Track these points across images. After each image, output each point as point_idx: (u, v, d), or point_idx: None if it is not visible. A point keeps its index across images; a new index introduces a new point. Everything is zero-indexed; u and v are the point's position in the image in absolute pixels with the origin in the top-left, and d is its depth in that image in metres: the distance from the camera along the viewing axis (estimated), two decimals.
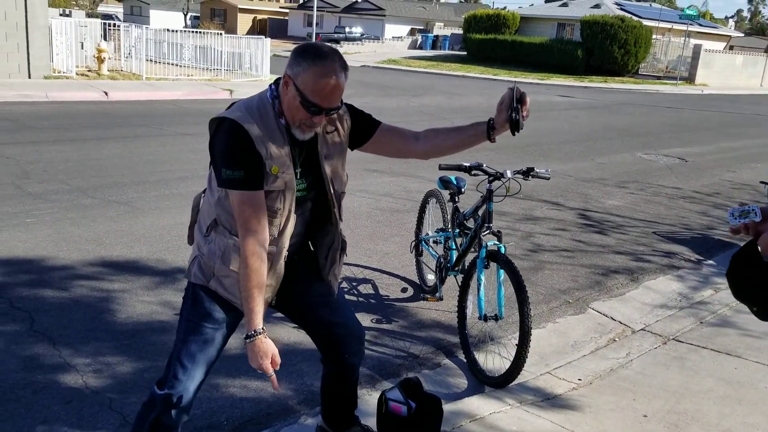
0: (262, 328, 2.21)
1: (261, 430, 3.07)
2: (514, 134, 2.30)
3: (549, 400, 3.45)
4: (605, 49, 33.55)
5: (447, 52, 46.06)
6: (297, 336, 3.88)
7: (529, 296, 4.71)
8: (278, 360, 2.25)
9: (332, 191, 2.37)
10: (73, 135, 9.67)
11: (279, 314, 3.06)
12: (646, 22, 35.30)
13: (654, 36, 35.66)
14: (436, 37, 49.26)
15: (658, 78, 34.53)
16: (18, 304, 4.11)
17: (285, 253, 2.33)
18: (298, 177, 2.29)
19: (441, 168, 3.90)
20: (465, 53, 41.41)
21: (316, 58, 2.11)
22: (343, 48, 43.56)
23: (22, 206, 6.07)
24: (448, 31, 51.46)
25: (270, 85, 2.27)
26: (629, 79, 33.31)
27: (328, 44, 2.23)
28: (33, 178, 7.08)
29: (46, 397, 3.17)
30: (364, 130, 2.45)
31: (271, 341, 2.24)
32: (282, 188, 2.22)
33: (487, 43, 38.37)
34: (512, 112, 2.25)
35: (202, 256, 2.31)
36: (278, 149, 2.19)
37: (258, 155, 2.14)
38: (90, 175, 7.33)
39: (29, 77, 15.07)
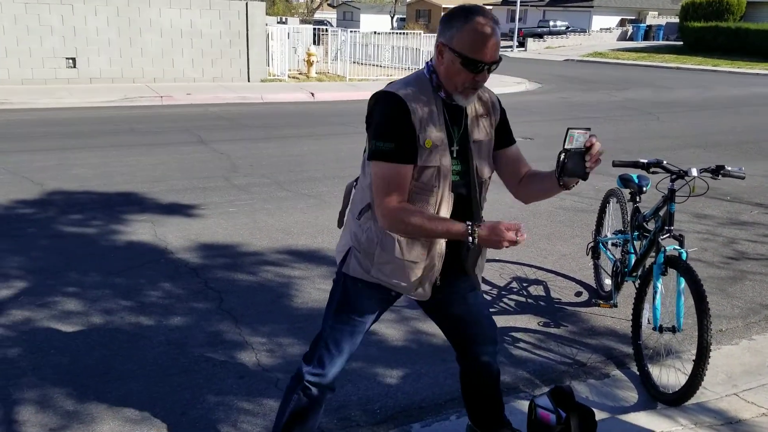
0: (468, 224, 2.12)
1: (412, 422, 3.09)
2: (578, 180, 2.11)
3: (731, 425, 3.08)
4: None
5: (661, 42, 42.96)
6: None
7: (724, 309, 4.28)
8: (511, 226, 2.09)
9: (476, 177, 2.31)
10: (279, 133, 10.47)
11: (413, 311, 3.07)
12: None
13: None
14: (649, 26, 46.14)
15: None
16: (211, 285, 4.54)
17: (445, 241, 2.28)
18: (454, 156, 2.26)
19: (615, 165, 3.63)
20: (681, 43, 38.34)
21: (467, 15, 2.10)
22: (547, 42, 42.44)
23: (227, 197, 6.70)
24: (662, 20, 47.96)
25: (426, 63, 2.27)
26: None
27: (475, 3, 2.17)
28: (240, 171, 7.77)
29: (223, 371, 3.47)
30: (500, 138, 2.38)
31: (488, 224, 2.13)
32: (437, 164, 2.19)
33: (707, 31, 35.17)
34: (563, 154, 2.05)
35: (360, 245, 2.33)
36: (434, 123, 2.18)
37: (412, 127, 2.14)
38: (288, 170, 7.89)
39: (248, 81, 16.59)
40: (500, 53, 2.18)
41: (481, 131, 2.31)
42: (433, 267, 2.30)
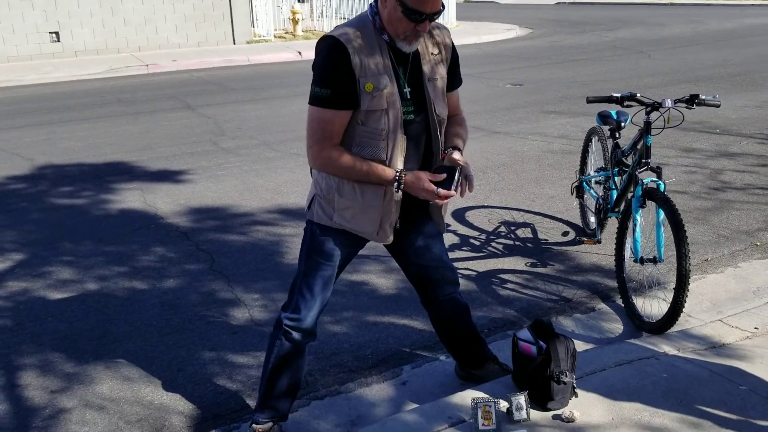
0: (397, 171, 2.25)
1: (403, 365, 3.18)
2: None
3: (714, 349, 3.16)
4: None
5: None
6: None
7: (708, 238, 4.34)
8: (435, 178, 2.25)
9: (434, 115, 2.34)
10: (267, 94, 10.41)
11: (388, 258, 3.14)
12: None
13: None
14: None
15: None
16: (203, 247, 4.60)
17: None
18: (407, 97, 2.28)
19: (589, 101, 3.63)
20: None
21: None
22: None
23: (216, 160, 6.71)
24: None
25: (370, 4, 2.28)
26: None
27: None
28: (227, 134, 7.77)
29: (216, 328, 3.55)
30: (449, 79, 2.42)
31: (415, 172, 2.27)
32: (384, 107, 2.21)
33: None
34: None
35: (321, 191, 2.40)
36: (376, 65, 2.19)
37: (351, 72, 2.16)
38: (276, 131, 7.88)
39: (234, 43, 16.39)
40: (443, 2, 2.20)
41: (435, 70, 2.33)
42: (391, 210, 2.35)
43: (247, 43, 16.49)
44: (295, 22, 17.72)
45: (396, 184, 2.26)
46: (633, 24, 19.85)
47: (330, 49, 2.18)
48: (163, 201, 5.54)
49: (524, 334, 2.74)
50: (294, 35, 17.69)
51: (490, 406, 2.54)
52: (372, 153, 2.28)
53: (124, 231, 4.92)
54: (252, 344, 3.39)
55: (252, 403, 2.94)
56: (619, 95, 3.49)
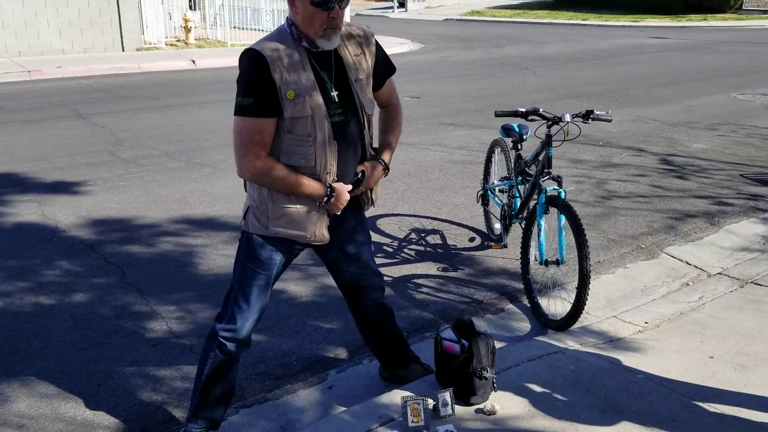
0: (328, 187, 2.38)
1: (328, 369, 3.26)
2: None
3: (611, 342, 3.46)
4: None
5: None
6: None
7: (600, 242, 4.70)
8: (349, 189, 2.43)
9: (364, 114, 2.46)
10: (162, 103, 10.17)
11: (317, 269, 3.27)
12: None
13: None
14: None
15: (765, 12, 32.07)
16: (111, 260, 4.47)
17: (333, 179, 2.41)
18: (335, 101, 2.37)
19: (497, 115, 3.89)
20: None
21: None
22: (426, 2, 42.90)
23: (115, 171, 6.51)
24: None
25: (286, 18, 2.38)
26: (732, 15, 31.09)
27: None
28: (125, 144, 7.54)
29: (134, 341, 3.48)
30: (379, 69, 2.53)
31: (338, 189, 2.40)
32: (309, 114, 2.30)
33: None
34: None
35: (254, 202, 2.46)
36: (297, 74, 2.28)
37: (272, 81, 2.25)
38: (177, 140, 7.73)
39: (123, 50, 15.83)
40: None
41: (360, 69, 2.44)
42: (325, 212, 2.46)
43: (137, 50, 15.97)
44: (187, 30, 17.35)
45: (326, 198, 2.37)
46: (517, 42, 20.89)
47: (251, 60, 2.28)
48: (63, 213, 5.32)
49: (447, 333, 2.91)
50: (186, 43, 17.31)
51: (419, 403, 2.68)
52: (300, 160, 2.35)
53: (23, 245, 4.70)
54: (173, 356, 3.36)
55: (179, 414, 2.93)
56: (524, 110, 3.76)
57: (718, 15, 31.20)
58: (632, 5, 33.76)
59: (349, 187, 2.42)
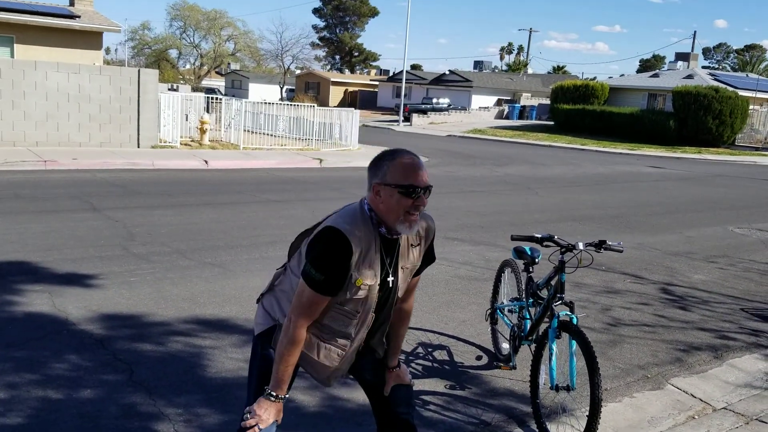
0: (285, 395, 2.50)
1: None
2: None
3: None
4: (699, 120, 32.80)
5: (534, 122, 46.23)
6: None
7: (606, 370, 4.73)
8: (272, 421, 2.49)
9: (396, 297, 2.61)
10: (175, 201, 10.40)
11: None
12: (742, 93, 34.37)
13: (751, 106, 34.61)
14: (523, 107, 49.61)
15: (756, 149, 33.30)
16: (120, 356, 4.48)
17: (359, 344, 2.59)
18: (389, 286, 2.52)
19: (513, 239, 4.04)
20: (552, 123, 41.44)
21: (391, 155, 2.41)
22: (430, 118, 44.53)
23: (127, 266, 6.60)
24: (535, 102, 51.76)
25: (361, 201, 2.48)
26: (725, 150, 32.30)
27: None
28: (138, 240, 7.67)
29: None
30: (423, 264, 2.69)
31: (281, 410, 2.50)
32: (365, 297, 2.45)
33: (575, 113, 38.32)
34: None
35: (281, 320, 2.55)
36: (370, 263, 2.41)
37: (347, 268, 2.36)
38: (188, 239, 7.87)
39: (138, 146, 16.33)
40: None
41: (410, 259, 2.60)
42: (340, 369, 2.61)
43: (152, 147, 16.47)
44: (202, 131, 17.96)
45: (272, 397, 2.47)
46: (519, 161, 21.57)
47: (336, 243, 2.34)
48: (74, 306, 5.37)
49: None
50: (200, 144, 17.86)
51: None
52: (340, 326, 2.51)
53: (32, 336, 4.71)
54: None
55: None
56: (539, 236, 3.91)
57: (712, 149, 32.38)
58: (628, 134, 35.10)
59: (272, 421, 2.49)
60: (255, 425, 2.45)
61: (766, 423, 4.12)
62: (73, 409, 3.73)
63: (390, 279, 2.51)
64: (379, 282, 2.46)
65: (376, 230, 2.43)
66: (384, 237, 2.45)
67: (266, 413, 2.46)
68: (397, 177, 2.35)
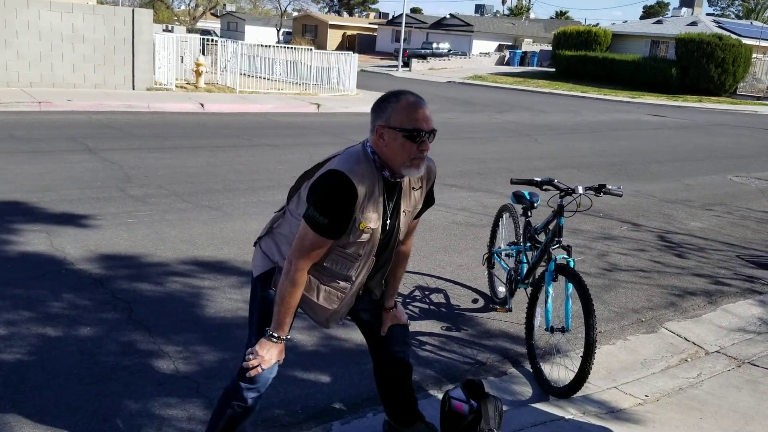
0: (287, 336, 2.51)
1: (333, 420, 3.28)
2: None
3: (613, 413, 3.50)
4: (701, 68, 32.44)
5: (535, 68, 45.65)
6: None
7: (601, 314, 4.77)
8: (274, 361, 2.52)
9: (397, 241, 2.60)
10: (171, 144, 10.32)
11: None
12: (745, 41, 33.92)
13: (754, 55, 34.18)
14: (525, 53, 48.92)
15: (758, 98, 33.04)
16: (119, 295, 4.51)
17: (360, 287, 2.59)
18: (387, 228, 2.50)
19: (512, 182, 4.02)
20: (553, 70, 40.96)
21: (396, 96, 2.34)
22: (430, 64, 43.93)
23: (124, 207, 6.58)
24: (536, 48, 50.99)
25: (364, 144, 2.43)
26: (726, 99, 32.04)
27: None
28: (134, 182, 7.64)
29: (141, 379, 3.50)
30: (423, 207, 2.68)
31: (283, 350, 2.52)
32: (367, 240, 2.43)
33: (577, 59, 37.82)
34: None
35: (280, 263, 2.54)
36: (373, 206, 2.38)
37: (352, 211, 2.33)
38: (185, 182, 7.83)
39: (133, 89, 16.10)
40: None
41: (411, 201, 2.57)
42: (339, 311, 2.62)
43: (147, 89, 16.25)
44: (198, 74, 17.69)
45: (274, 338, 2.48)
46: (519, 109, 21.38)
47: (340, 187, 2.29)
48: (72, 246, 5.37)
49: (457, 393, 2.95)
50: (196, 87, 17.62)
51: None
52: (341, 270, 2.50)
53: (31, 275, 4.73)
54: (180, 396, 3.38)
55: None
56: (539, 179, 3.89)
57: (713, 98, 32.11)
58: (630, 81, 34.73)
59: (275, 361, 2.51)
60: (258, 365, 2.47)
61: (758, 366, 4.18)
62: (73, 346, 3.77)
63: (391, 222, 2.49)
64: (381, 225, 2.45)
65: (379, 173, 2.39)
66: (387, 180, 2.42)
67: (268, 354, 2.48)
68: (402, 120, 2.30)
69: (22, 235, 5.54)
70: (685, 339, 4.59)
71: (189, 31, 42.50)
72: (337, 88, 20.62)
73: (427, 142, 2.33)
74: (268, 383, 2.59)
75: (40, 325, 3.99)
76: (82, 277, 4.78)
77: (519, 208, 4.55)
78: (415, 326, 4.41)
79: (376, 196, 2.39)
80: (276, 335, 2.48)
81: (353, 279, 2.53)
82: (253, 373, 2.47)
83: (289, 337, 2.54)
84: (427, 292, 5.03)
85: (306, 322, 4.29)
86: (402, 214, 2.54)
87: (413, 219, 2.67)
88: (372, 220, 2.39)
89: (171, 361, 3.70)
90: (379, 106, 2.36)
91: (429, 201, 2.69)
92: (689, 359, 4.30)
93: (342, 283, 2.53)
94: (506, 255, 4.78)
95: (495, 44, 53.80)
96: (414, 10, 76.23)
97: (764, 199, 9.58)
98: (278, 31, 61.80)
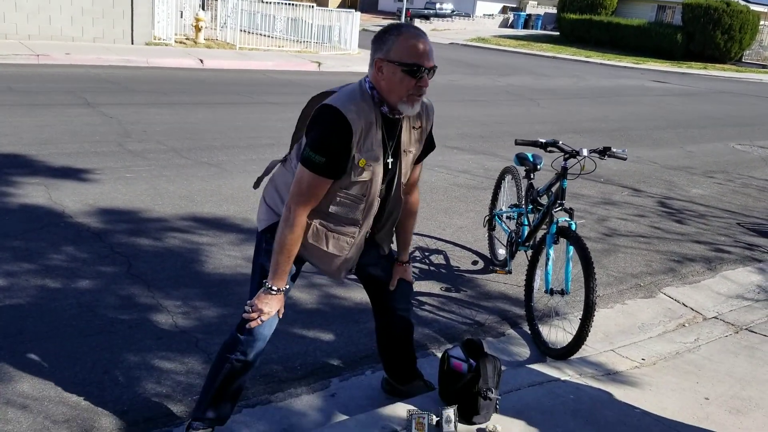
0: (286, 288, 2.48)
1: (331, 377, 3.29)
2: None
3: (610, 375, 3.52)
4: (707, 34, 32.03)
5: (539, 31, 45.07)
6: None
7: (600, 278, 4.77)
8: (273, 314, 2.50)
9: (401, 184, 2.55)
10: (170, 99, 10.20)
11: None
12: (753, 7, 33.41)
13: (761, 22, 33.72)
14: (529, 15, 48.23)
15: (763, 66, 32.72)
16: (118, 250, 4.49)
17: (367, 231, 2.55)
18: (388, 168, 2.45)
19: (517, 143, 3.97)
20: (558, 33, 40.43)
21: (397, 29, 2.26)
22: (433, 24, 43.33)
23: (123, 162, 6.53)
24: (541, 10, 50.26)
25: (361, 80, 2.37)
26: (731, 66, 31.73)
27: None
28: (133, 137, 7.57)
29: (139, 332, 3.50)
30: (425, 149, 2.63)
31: (282, 303, 2.50)
32: (369, 178, 2.37)
33: (582, 23, 37.30)
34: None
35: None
36: (372, 142, 2.32)
37: (349, 148, 2.27)
38: (184, 137, 7.76)
39: (132, 43, 15.87)
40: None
41: (413, 142, 2.51)
42: (351, 258, 2.57)
43: (146, 44, 16.02)
44: (197, 29, 17.44)
45: (273, 291, 2.44)
46: (522, 72, 21.15)
47: (334, 122, 2.24)
48: (70, 199, 5.33)
49: (456, 351, 2.96)
50: (195, 42, 17.38)
51: (424, 418, 2.72)
52: (347, 214, 2.45)
53: (30, 227, 4.70)
54: (179, 350, 3.38)
55: (182, 408, 2.95)
56: (543, 141, 3.84)
57: (718, 65, 31.80)
58: (634, 47, 34.34)
59: (274, 313, 2.49)
60: (257, 318, 2.46)
61: (755, 333, 4.20)
62: (72, 298, 3.77)
63: (389, 161, 2.45)
64: (382, 163, 2.40)
65: (378, 109, 2.33)
66: (386, 117, 2.36)
67: (267, 306, 2.47)
68: (402, 54, 2.23)
69: (21, 187, 5.50)
70: (683, 304, 4.60)
71: None
72: (338, 46, 20.35)
73: (426, 78, 2.28)
74: (267, 339, 2.59)
75: (39, 276, 3.98)
76: (81, 230, 4.75)
77: (522, 170, 4.51)
78: (415, 286, 4.37)
79: (374, 132, 2.33)
80: (275, 288, 2.45)
81: (360, 222, 2.48)
82: (252, 324, 2.47)
83: (288, 288, 2.52)
84: (427, 253, 5.02)
85: (305, 281, 4.29)
86: (403, 154, 2.49)
87: (415, 163, 2.63)
88: (371, 157, 2.34)
89: (170, 316, 3.70)
90: (380, 38, 2.28)
91: (430, 145, 2.65)
92: (687, 324, 4.32)
93: (350, 228, 2.48)
94: (507, 217, 4.75)
95: (499, 6, 52.96)
96: None
97: (766, 167, 9.54)
98: None
